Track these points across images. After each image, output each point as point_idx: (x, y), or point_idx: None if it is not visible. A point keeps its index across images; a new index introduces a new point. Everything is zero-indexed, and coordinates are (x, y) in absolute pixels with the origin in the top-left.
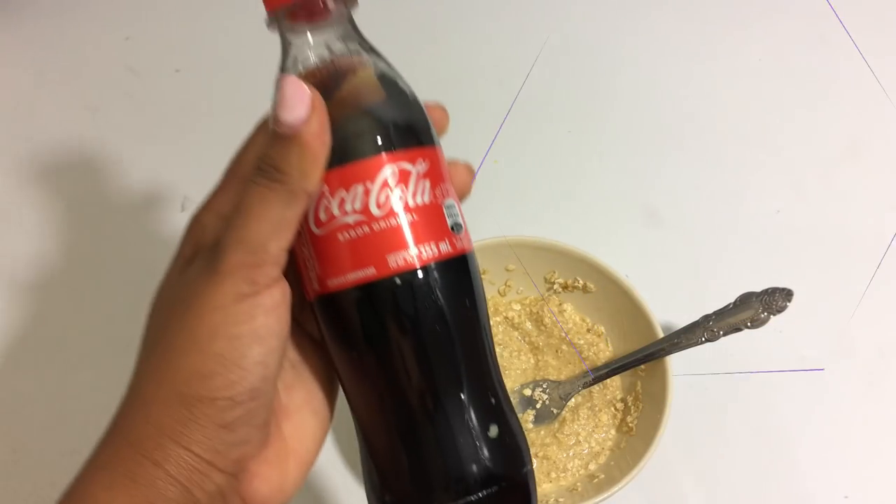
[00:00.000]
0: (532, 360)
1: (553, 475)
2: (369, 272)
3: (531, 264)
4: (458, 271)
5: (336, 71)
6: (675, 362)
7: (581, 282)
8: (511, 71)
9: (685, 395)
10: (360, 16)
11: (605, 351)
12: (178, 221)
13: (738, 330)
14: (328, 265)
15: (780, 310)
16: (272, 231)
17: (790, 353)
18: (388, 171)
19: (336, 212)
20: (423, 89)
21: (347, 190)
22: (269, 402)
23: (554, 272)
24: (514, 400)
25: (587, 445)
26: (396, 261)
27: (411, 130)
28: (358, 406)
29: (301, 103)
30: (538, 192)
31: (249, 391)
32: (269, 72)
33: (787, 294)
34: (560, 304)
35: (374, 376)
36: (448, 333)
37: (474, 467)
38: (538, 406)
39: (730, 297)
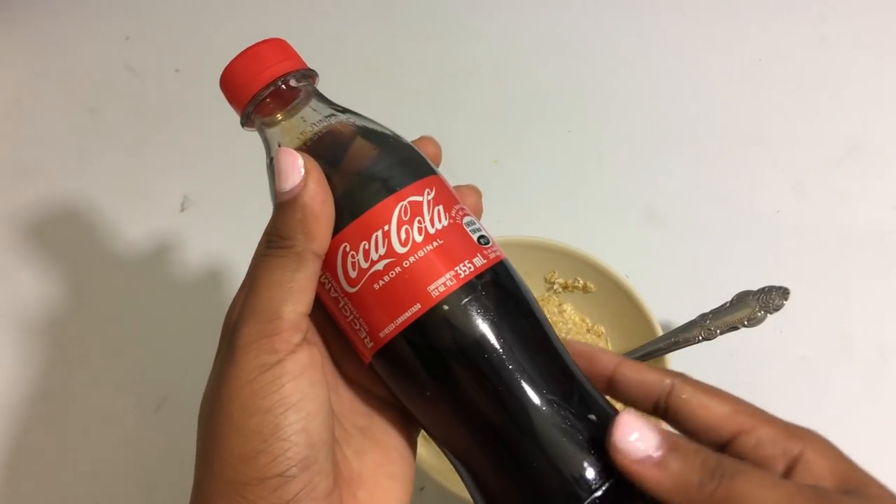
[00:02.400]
0: None
1: None
2: (416, 309)
3: (531, 264)
4: (500, 279)
5: (319, 140)
6: (676, 362)
7: (581, 282)
8: (511, 71)
9: None
10: (361, 20)
11: None
12: (177, 221)
13: (736, 329)
14: (374, 318)
15: (777, 308)
16: (285, 297)
17: (790, 353)
18: (400, 209)
19: (364, 264)
20: (423, 89)
21: (368, 240)
22: (327, 469)
23: (554, 272)
24: None
25: None
26: (437, 288)
27: (407, 166)
28: (451, 444)
29: (294, 169)
30: (538, 192)
31: (299, 462)
32: None
33: (783, 293)
34: (560, 304)
35: (458, 408)
36: (512, 338)
37: (587, 462)
38: None
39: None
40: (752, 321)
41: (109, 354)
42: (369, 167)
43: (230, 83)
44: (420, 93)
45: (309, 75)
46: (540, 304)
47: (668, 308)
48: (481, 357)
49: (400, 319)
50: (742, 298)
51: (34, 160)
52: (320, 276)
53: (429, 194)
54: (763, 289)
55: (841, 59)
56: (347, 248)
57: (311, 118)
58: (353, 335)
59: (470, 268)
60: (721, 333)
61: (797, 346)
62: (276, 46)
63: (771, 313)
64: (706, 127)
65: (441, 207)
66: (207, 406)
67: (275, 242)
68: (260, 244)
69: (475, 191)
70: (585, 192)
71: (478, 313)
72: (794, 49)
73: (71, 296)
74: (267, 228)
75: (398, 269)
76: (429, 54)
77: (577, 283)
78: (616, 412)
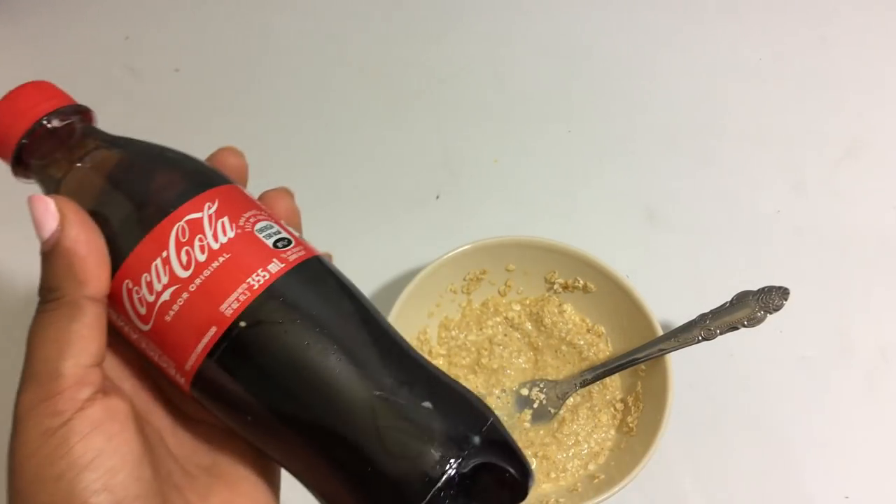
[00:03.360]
0: (531, 360)
1: (553, 475)
2: (212, 333)
3: (531, 264)
4: (303, 280)
5: (86, 176)
6: (676, 362)
7: (581, 282)
8: (511, 71)
9: (685, 395)
10: (361, 20)
11: (604, 351)
12: None
13: (735, 329)
14: (177, 352)
15: (777, 308)
16: (62, 352)
17: (790, 353)
18: (177, 231)
19: (150, 297)
20: (423, 89)
21: (149, 271)
22: None
23: (554, 272)
24: (510, 399)
25: (587, 445)
26: (230, 306)
27: (182, 184)
28: (291, 465)
29: (46, 214)
30: (538, 192)
31: None
32: (269, 72)
33: (783, 293)
34: (560, 304)
35: (284, 425)
36: (326, 341)
37: (429, 453)
38: (535, 406)
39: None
40: (752, 321)
41: None
42: (140, 193)
43: None
44: (420, 93)
45: (76, 111)
46: (540, 304)
47: (668, 308)
48: (295, 368)
49: (199, 347)
50: (742, 298)
51: None
52: (116, 318)
53: (209, 208)
54: (763, 289)
55: (841, 59)
56: (130, 285)
57: (76, 156)
58: (166, 371)
59: (265, 276)
60: (721, 333)
61: (797, 346)
62: (34, 89)
63: (771, 313)
64: (706, 127)
65: (226, 219)
66: (6, 485)
67: (44, 297)
68: None
69: (284, 194)
70: (585, 192)
71: (281, 322)
72: (795, 49)
73: None
74: (39, 288)
75: (185, 295)
76: (429, 54)
77: (577, 283)
78: (460, 386)
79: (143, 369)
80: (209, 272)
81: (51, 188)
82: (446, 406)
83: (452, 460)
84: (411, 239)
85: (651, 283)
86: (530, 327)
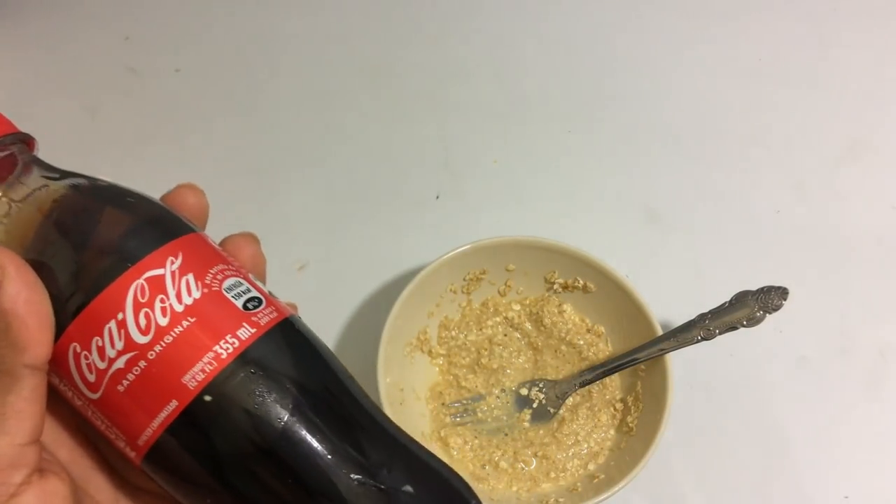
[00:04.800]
0: (531, 360)
1: (552, 475)
2: (172, 407)
3: (531, 264)
4: (275, 347)
5: (34, 217)
6: (676, 362)
7: (581, 282)
8: (511, 71)
9: (685, 395)
10: (361, 20)
11: (604, 351)
12: None
13: (735, 328)
14: (128, 424)
15: (776, 308)
16: None
17: (790, 353)
18: (135, 289)
19: (101, 364)
20: (423, 89)
21: (101, 335)
22: None
23: (554, 272)
24: (510, 399)
25: (586, 445)
26: (195, 377)
27: (144, 233)
28: None
29: None
30: (538, 192)
31: None
32: (269, 72)
33: (782, 292)
34: (560, 304)
35: None
36: (300, 420)
37: None
38: (535, 405)
39: None
40: (752, 321)
41: None
42: (94, 242)
43: None
44: (420, 93)
45: (19, 140)
46: (540, 304)
47: (667, 308)
48: (264, 449)
49: (156, 421)
50: (741, 298)
51: None
52: (58, 382)
53: (173, 264)
54: (762, 289)
55: (841, 59)
56: (78, 349)
57: (18, 194)
58: (114, 442)
59: (234, 343)
60: (720, 333)
61: (797, 346)
62: None
63: (770, 313)
64: (706, 127)
65: (190, 277)
66: None
67: None
68: None
69: (249, 239)
70: (585, 192)
71: (250, 397)
72: (795, 49)
73: None
74: None
75: (143, 364)
76: (429, 54)
77: (577, 283)
78: (441, 464)
79: (81, 431)
80: (171, 338)
81: None
82: (427, 490)
83: None
84: (411, 239)
85: (651, 283)
86: (530, 327)
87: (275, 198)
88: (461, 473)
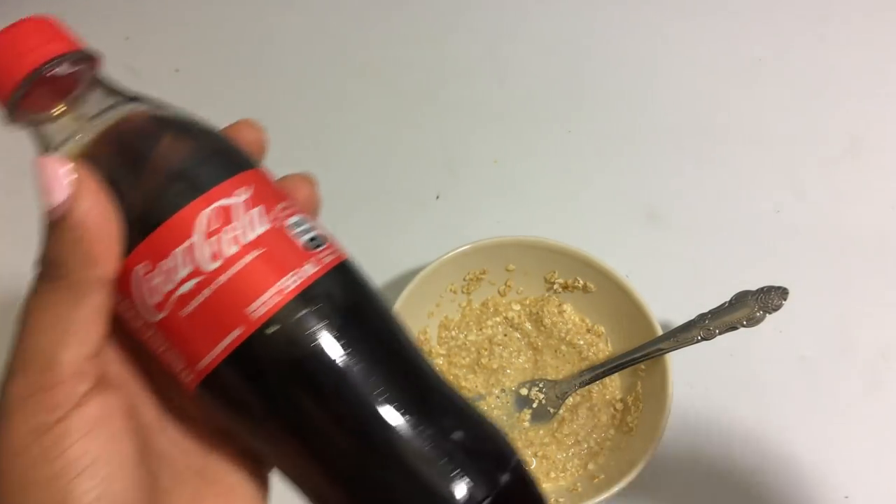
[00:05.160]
0: (531, 360)
1: (552, 475)
2: (236, 334)
3: (531, 264)
4: (337, 287)
5: (101, 139)
6: (676, 362)
7: (581, 282)
8: (511, 71)
9: (685, 395)
10: (361, 20)
11: (604, 351)
12: None
13: (734, 328)
14: (189, 348)
15: (776, 308)
16: (61, 339)
17: (790, 353)
18: (207, 216)
19: (167, 286)
20: (423, 89)
21: (169, 256)
22: None
23: (554, 272)
24: (510, 399)
25: (586, 445)
26: (259, 309)
27: (215, 162)
28: (300, 481)
29: (58, 180)
30: (538, 192)
31: None
32: (269, 72)
33: (782, 292)
34: (560, 304)
35: (300, 443)
36: (356, 358)
37: (457, 487)
38: (534, 405)
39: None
40: (751, 321)
41: None
42: (164, 167)
43: None
44: (420, 93)
45: (85, 59)
46: (540, 304)
47: (667, 308)
48: (320, 383)
49: (219, 348)
50: (741, 298)
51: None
52: (119, 301)
53: (241, 195)
54: (762, 289)
55: (841, 58)
56: (145, 270)
57: (89, 112)
58: (170, 367)
59: (296, 280)
60: (720, 333)
61: (797, 346)
62: (36, 27)
63: (770, 313)
64: (706, 126)
65: (260, 209)
66: None
67: (45, 272)
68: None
69: (306, 181)
70: (585, 192)
71: (311, 332)
72: (795, 48)
73: None
74: (39, 257)
75: (210, 290)
76: (429, 54)
77: (577, 283)
78: (484, 420)
79: (134, 353)
80: (239, 268)
81: (52, 147)
82: (475, 438)
83: (481, 497)
84: (411, 239)
85: (651, 283)
86: (530, 327)
87: None
88: None
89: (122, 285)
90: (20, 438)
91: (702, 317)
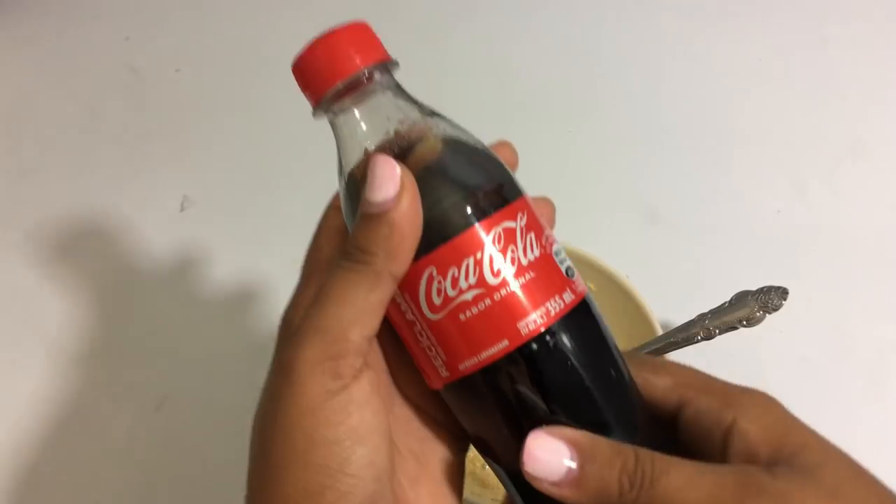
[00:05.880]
0: None
1: None
2: (503, 346)
3: None
4: (587, 317)
5: (407, 145)
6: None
7: None
8: (511, 71)
9: None
10: (361, 17)
11: None
12: (177, 221)
13: (734, 328)
14: (455, 349)
15: (776, 308)
16: (354, 317)
17: (790, 354)
18: (494, 236)
19: (451, 292)
20: (423, 89)
21: (459, 267)
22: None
23: None
24: None
25: None
26: (527, 325)
27: (501, 187)
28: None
29: (391, 180)
30: (539, 191)
31: (367, 498)
32: (268, 72)
33: (782, 293)
34: None
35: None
36: (597, 383)
37: None
38: None
39: None
40: (751, 321)
41: (109, 354)
42: (461, 185)
43: (308, 67)
44: (420, 93)
45: (391, 66)
46: None
47: (667, 308)
48: (565, 400)
49: (484, 354)
50: (741, 298)
51: (34, 160)
52: (395, 297)
53: (521, 220)
54: (762, 289)
55: (842, 59)
56: (434, 273)
57: (395, 116)
58: (425, 361)
59: (560, 304)
60: (720, 333)
61: (797, 346)
62: (361, 32)
63: (770, 313)
64: (707, 127)
65: (533, 235)
66: (263, 428)
67: (354, 255)
68: (314, 246)
69: (549, 204)
70: (585, 192)
71: (565, 354)
72: (795, 49)
73: (69, 295)
74: (337, 241)
75: (488, 302)
76: (429, 54)
77: None
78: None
79: (380, 339)
80: (515, 287)
81: (349, 142)
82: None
83: None
84: None
85: (651, 283)
86: None
87: (275, 197)
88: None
89: (407, 282)
90: (312, 399)
91: (702, 317)
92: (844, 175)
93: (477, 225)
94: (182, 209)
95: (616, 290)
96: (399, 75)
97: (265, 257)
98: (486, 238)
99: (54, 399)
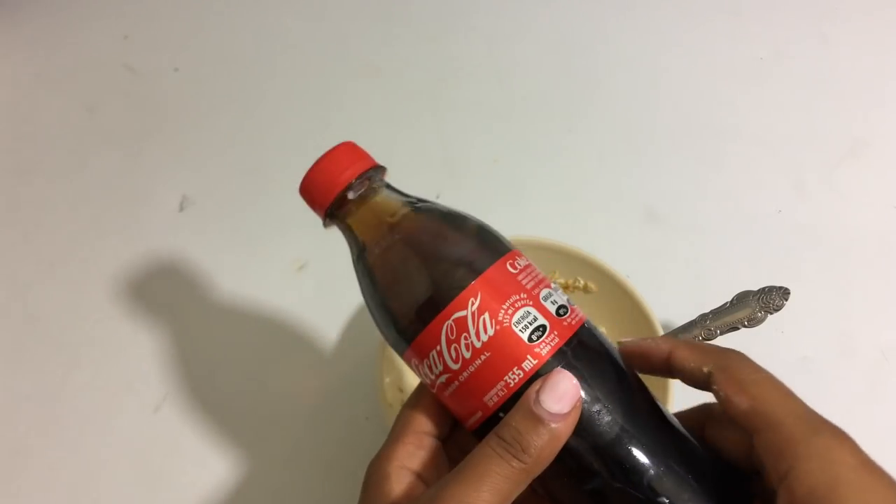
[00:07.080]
0: None
1: None
2: (478, 416)
3: None
4: (583, 346)
5: (405, 237)
6: None
7: (581, 282)
8: (511, 71)
9: (686, 395)
10: (361, 20)
11: None
12: (176, 221)
13: (736, 329)
14: (456, 414)
15: (777, 308)
16: (485, 497)
17: (791, 354)
18: (446, 328)
19: (430, 376)
20: (423, 89)
21: (427, 358)
22: None
23: (554, 272)
24: None
25: None
26: (492, 398)
27: (448, 281)
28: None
29: (571, 399)
30: (538, 192)
31: None
32: (268, 71)
33: (784, 293)
34: None
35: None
36: (585, 438)
37: None
38: None
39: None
40: (753, 321)
41: (109, 354)
42: (419, 284)
43: (312, 188)
44: (420, 93)
45: (380, 170)
46: None
47: (668, 308)
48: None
49: (471, 421)
50: (742, 298)
51: (32, 159)
52: (419, 364)
53: (472, 304)
54: (763, 289)
55: (842, 58)
56: (415, 363)
57: (389, 207)
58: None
59: (519, 374)
60: (721, 333)
61: (798, 346)
62: (349, 149)
63: (771, 313)
64: (707, 126)
65: (487, 316)
66: None
67: (513, 448)
68: (422, 418)
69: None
70: (585, 192)
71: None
72: (796, 48)
73: (68, 295)
74: (507, 421)
75: (457, 383)
76: (429, 54)
77: (577, 283)
78: (722, 463)
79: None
80: (474, 368)
81: (353, 243)
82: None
83: None
84: None
85: (651, 283)
86: None
87: (274, 197)
88: None
89: (418, 356)
90: None
91: (703, 317)
92: (846, 174)
93: (430, 323)
94: (181, 209)
95: (616, 291)
96: (399, 75)
97: (265, 257)
98: (441, 333)
99: (54, 399)
